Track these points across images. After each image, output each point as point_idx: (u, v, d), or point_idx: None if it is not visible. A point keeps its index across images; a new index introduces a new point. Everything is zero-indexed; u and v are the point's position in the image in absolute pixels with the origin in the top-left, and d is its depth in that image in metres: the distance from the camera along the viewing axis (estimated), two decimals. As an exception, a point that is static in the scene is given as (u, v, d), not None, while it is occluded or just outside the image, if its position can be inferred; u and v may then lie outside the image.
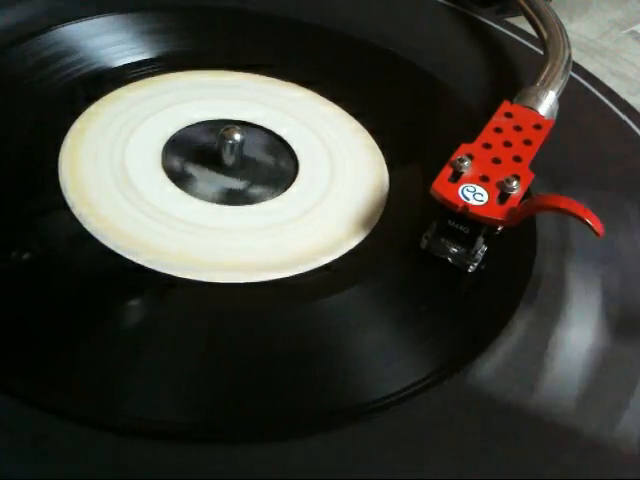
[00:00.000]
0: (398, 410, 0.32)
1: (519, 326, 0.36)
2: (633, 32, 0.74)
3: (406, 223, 0.41)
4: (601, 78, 0.56)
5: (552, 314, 0.38)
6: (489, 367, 0.35)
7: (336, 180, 0.44)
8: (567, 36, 0.51)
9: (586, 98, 0.53)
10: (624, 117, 0.51)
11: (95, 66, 0.47)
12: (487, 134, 0.41)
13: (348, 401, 0.32)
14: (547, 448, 0.32)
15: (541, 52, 0.52)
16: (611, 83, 0.57)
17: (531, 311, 0.37)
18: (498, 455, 0.32)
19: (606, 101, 0.52)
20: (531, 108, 0.44)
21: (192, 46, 0.51)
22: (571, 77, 0.50)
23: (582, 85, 0.54)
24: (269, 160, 0.45)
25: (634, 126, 0.51)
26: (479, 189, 0.37)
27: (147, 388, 0.32)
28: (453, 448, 0.32)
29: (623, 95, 0.54)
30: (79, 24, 0.49)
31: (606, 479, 0.31)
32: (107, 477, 0.29)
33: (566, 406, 0.34)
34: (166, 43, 0.50)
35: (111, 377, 0.32)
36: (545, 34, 0.52)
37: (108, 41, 0.49)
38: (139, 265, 0.36)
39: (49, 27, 0.49)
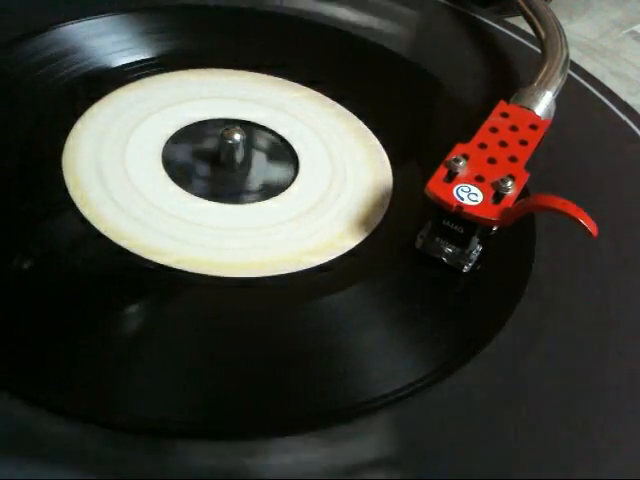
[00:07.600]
0: (396, 410, 0.32)
1: (517, 326, 0.36)
2: (633, 32, 0.73)
3: (407, 223, 0.41)
4: (601, 78, 0.56)
5: (550, 314, 0.38)
6: (487, 367, 0.35)
7: (337, 180, 0.44)
8: (565, 36, 0.51)
9: (585, 98, 0.53)
10: (624, 117, 0.51)
11: (95, 66, 0.48)
12: (483, 134, 0.41)
13: (347, 401, 0.32)
14: (547, 447, 0.32)
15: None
16: (611, 83, 0.57)
17: (529, 311, 0.37)
18: (498, 455, 0.32)
19: (606, 101, 0.52)
20: (527, 108, 0.44)
21: (192, 46, 0.51)
22: (570, 77, 0.50)
23: (581, 85, 0.54)
24: (270, 160, 0.45)
25: (634, 126, 0.50)
26: (474, 189, 0.37)
27: (147, 387, 0.32)
28: (452, 448, 0.32)
29: (623, 95, 0.54)
30: (79, 24, 0.50)
31: (602, 479, 0.32)
32: (107, 476, 0.29)
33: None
34: (166, 43, 0.50)
35: (111, 376, 0.32)
36: (543, 34, 0.52)
37: (108, 41, 0.49)
38: (139, 265, 0.37)
39: (49, 27, 0.49)
